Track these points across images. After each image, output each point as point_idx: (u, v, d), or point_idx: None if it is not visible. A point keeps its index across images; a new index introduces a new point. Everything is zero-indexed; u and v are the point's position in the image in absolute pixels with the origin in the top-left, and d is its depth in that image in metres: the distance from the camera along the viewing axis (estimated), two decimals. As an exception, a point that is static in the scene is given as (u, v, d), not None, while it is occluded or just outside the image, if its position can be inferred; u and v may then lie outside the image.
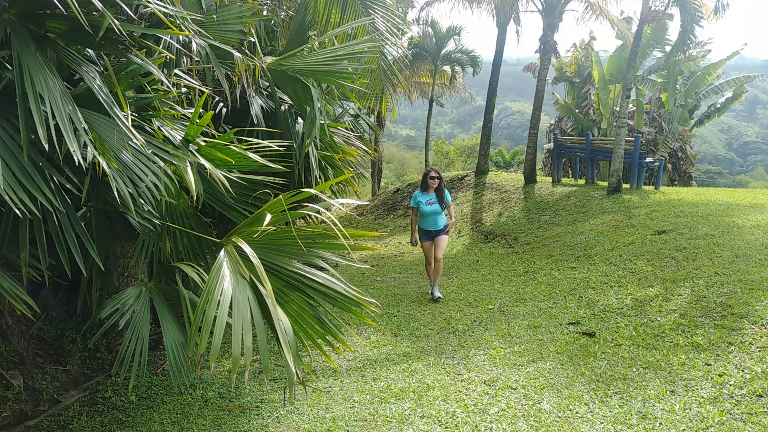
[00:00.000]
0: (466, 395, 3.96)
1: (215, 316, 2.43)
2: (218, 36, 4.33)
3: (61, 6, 2.35)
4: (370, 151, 6.10)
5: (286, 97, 5.07)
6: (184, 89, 3.94)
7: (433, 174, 6.62)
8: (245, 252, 2.71)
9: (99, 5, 2.33)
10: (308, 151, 4.80)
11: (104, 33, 2.42)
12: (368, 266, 4.40)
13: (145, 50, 3.14)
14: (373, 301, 3.04)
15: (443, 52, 20.49)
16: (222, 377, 4.52)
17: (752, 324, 4.27)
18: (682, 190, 11.87)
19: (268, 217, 2.76)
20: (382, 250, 10.84)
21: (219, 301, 2.48)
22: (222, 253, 2.78)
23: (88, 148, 2.43)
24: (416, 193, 6.69)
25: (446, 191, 6.69)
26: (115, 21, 2.44)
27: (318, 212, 2.85)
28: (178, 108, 3.60)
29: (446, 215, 6.72)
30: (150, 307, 3.25)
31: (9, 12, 2.44)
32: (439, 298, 6.54)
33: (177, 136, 3.23)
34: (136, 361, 3.01)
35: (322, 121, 4.62)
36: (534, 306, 5.95)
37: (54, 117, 2.32)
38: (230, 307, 2.52)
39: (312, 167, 4.84)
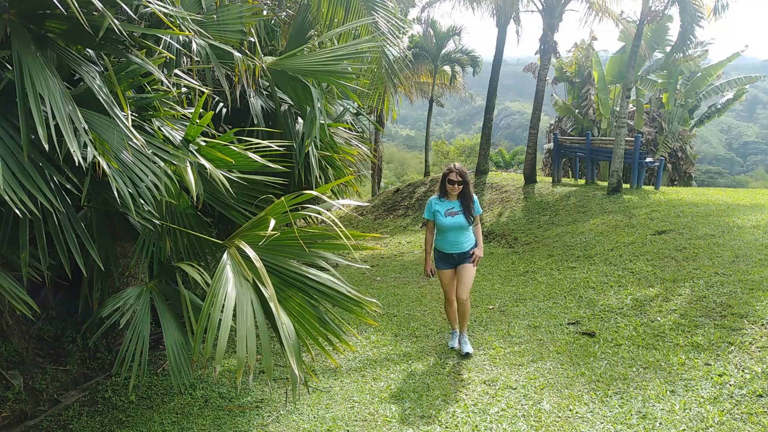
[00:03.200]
0: (466, 395, 3.96)
1: (220, 320, 2.45)
2: (218, 36, 4.33)
3: (61, 6, 2.35)
4: (370, 153, 6.01)
5: (286, 97, 5.06)
6: (184, 89, 3.94)
7: (453, 177, 4.55)
8: (247, 254, 2.72)
9: (99, 5, 2.33)
10: (308, 151, 4.80)
11: (104, 33, 2.42)
12: (368, 266, 4.40)
13: (145, 50, 3.14)
14: (375, 301, 3.05)
15: (443, 52, 20.49)
16: (222, 377, 4.52)
17: (752, 324, 4.27)
18: (682, 190, 11.87)
19: (272, 222, 2.77)
20: (382, 250, 10.84)
21: (223, 304, 2.51)
22: (225, 255, 2.80)
23: (88, 148, 2.43)
24: (432, 200, 4.74)
25: (476, 198, 4.72)
26: (115, 21, 2.44)
27: (319, 213, 2.87)
28: (178, 108, 3.60)
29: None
30: (150, 307, 3.25)
31: (9, 12, 2.44)
32: (469, 353, 4.65)
33: (177, 136, 3.23)
34: (137, 361, 3.02)
35: (323, 121, 4.62)
36: (534, 306, 5.95)
37: (54, 117, 2.31)
38: (234, 309, 2.53)
39: (312, 167, 4.84)
